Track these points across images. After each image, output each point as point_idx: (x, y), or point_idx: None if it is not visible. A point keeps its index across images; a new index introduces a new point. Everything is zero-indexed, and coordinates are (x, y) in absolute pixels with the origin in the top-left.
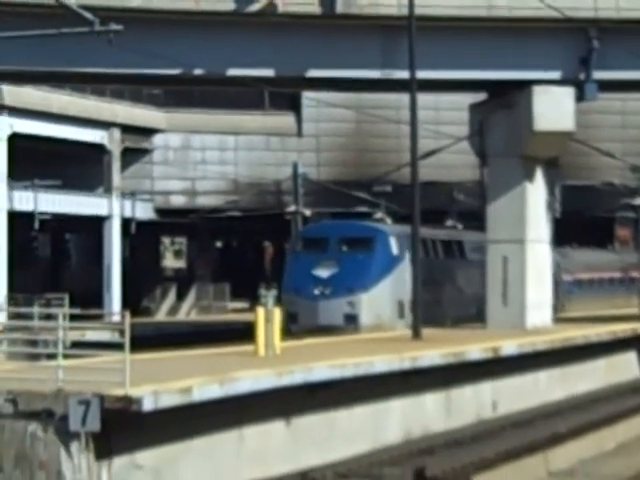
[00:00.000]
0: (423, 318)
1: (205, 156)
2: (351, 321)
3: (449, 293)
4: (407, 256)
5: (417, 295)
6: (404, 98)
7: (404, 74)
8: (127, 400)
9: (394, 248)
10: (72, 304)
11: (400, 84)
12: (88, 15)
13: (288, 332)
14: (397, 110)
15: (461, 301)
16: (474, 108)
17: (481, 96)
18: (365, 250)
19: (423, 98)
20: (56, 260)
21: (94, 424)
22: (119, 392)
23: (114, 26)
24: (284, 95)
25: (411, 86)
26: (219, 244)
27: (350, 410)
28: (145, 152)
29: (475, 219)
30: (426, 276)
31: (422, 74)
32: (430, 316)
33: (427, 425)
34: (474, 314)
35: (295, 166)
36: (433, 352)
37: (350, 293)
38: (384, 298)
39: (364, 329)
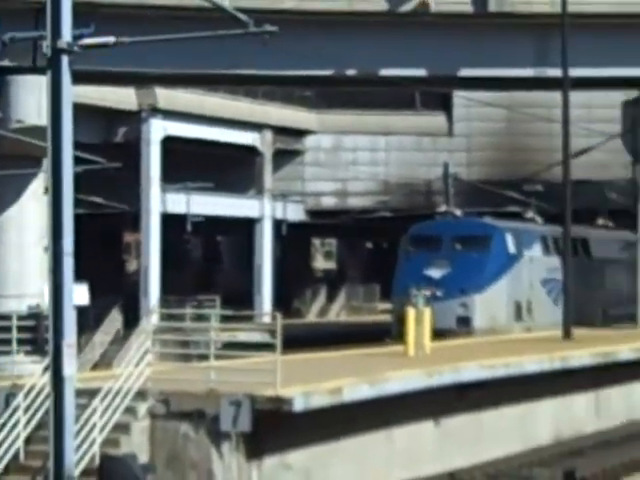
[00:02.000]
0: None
1: (356, 157)
2: (464, 324)
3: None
4: (525, 254)
5: (568, 295)
6: (556, 96)
7: (557, 72)
8: (278, 401)
9: (510, 246)
10: (224, 305)
11: (553, 82)
12: (243, 17)
13: (399, 336)
14: (549, 109)
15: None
16: (627, 105)
17: (634, 93)
18: (480, 249)
19: (575, 96)
20: (208, 262)
21: (245, 424)
22: (270, 393)
23: (269, 27)
24: (435, 95)
25: (564, 84)
26: (369, 245)
27: (499, 411)
28: (297, 153)
29: (627, 218)
30: (545, 275)
31: (575, 72)
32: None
33: (577, 426)
34: (600, 313)
35: (446, 166)
36: (583, 352)
37: (463, 294)
38: (499, 299)
39: (477, 332)
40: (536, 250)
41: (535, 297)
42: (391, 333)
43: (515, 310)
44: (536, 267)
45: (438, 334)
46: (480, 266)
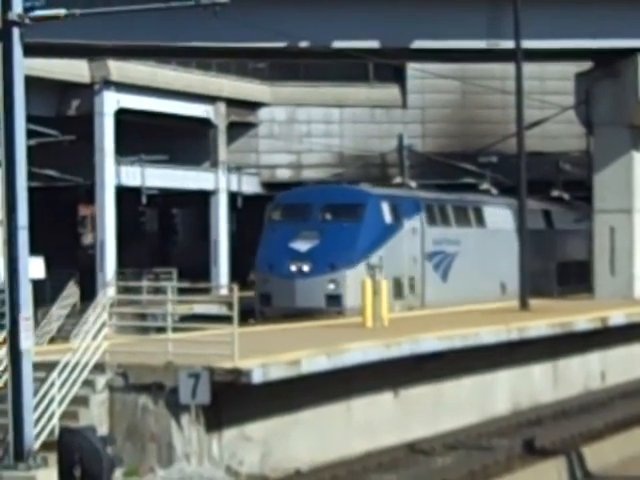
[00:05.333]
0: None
1: (310, 129)
2: (334, 303)
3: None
4: (406, 225)
5: (523, 264)
6: (509, 68)
7: (509, 44)
8: (236, 372)
9: (387, 216)
10: (180, 278)
11: (505, 54)
12: None
13: (261, 316)
14: (502, 80)
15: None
16: (580, 77)
17: (587, 65)
18: (352, 219)
19: (528, 68)
20: (164, 235)
21: (204, 397)
22: (228, 365)
23: None
24: (389, 67)
25: (517, 56)
26: None
27: (458, 382)
28: (251, 126)
29: (581, 189)
30: (430, 247)
31: (528, 44)
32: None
33: (535, 396)
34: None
35: (400, 138)
36: (540, 323)
37: (332, 269)
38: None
39: (350, 312)
40: (419, 220)
41: (419, 272)
42: (254, 313)
43: (394, 287)
44: (419, 239)
45: (305, 314)
46: (352, 238)
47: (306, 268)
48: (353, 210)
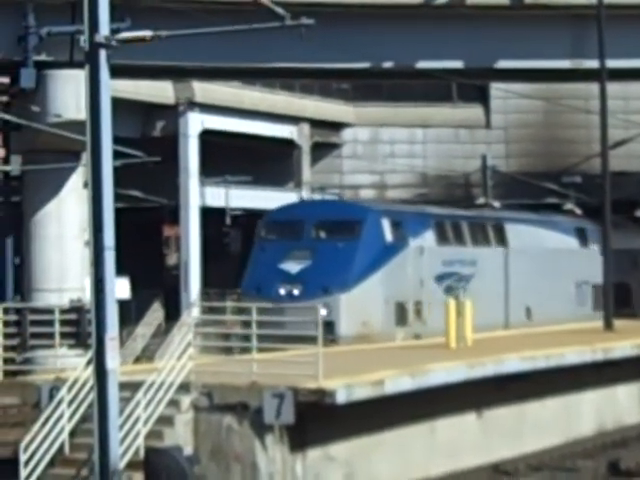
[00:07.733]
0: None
1: (394, 149)
2: (327, 330)
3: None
4: (411, 244)
5: (608, 285)
6: (593, 88)
7: (594, 63)
8: (320, 393)
9: (388, 234)
10: None
11: (590, 74)
12: (280, 10)
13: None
14: (586, 100)
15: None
16: None
17: None
18: (348, 237)
19: (612, 87)
20: (247, 255)
21: (288, 417)
22: (312, 385)
23: (305, 21)
24: (472, 87)
25: (601, 75)
26: None
27: (542, 402)
28: (334, 146)
29: None
30: (440, 269)
31: (612, 63)
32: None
33: (620, 417)
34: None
35: (484, 158)
36: (625, 343)
37: (325, 293)
38: (373, 300)
39: (344, 340)
40: (428, 239)
41: (427, 297)
42: None
43: (397, 313)
44: (428, 260)
45: (293, 341)
46: (347, 258)
47: (296, 291)
48: (349, 227)
